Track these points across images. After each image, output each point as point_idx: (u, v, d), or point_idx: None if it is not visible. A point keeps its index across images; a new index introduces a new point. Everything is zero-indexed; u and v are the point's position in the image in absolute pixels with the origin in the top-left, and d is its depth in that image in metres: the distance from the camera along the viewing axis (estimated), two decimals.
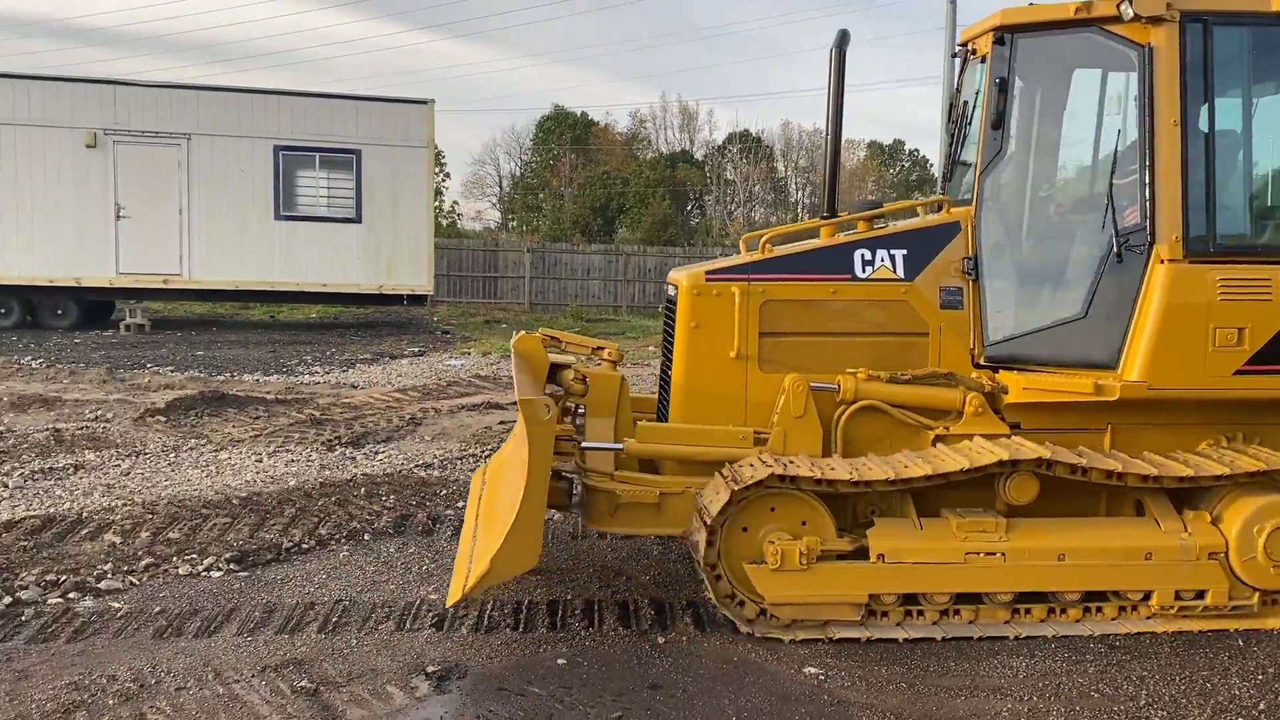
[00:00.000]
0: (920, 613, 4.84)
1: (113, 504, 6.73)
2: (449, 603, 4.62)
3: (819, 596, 4.72)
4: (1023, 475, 4.84)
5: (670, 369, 5.43)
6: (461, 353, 16.30)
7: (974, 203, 5.23)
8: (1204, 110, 4.91)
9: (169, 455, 8.23)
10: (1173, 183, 4.84)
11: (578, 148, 47.13)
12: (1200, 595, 4.86)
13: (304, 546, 5.94)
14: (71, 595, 5.08)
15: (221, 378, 12.78)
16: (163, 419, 9.59)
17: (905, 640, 4.70)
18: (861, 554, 4.76)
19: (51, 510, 6.56)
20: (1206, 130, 4.89)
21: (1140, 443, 5.15)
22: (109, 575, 5.35)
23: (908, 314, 5.26)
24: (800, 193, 54.57)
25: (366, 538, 6.16)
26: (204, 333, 18.33)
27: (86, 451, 8.23)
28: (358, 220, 18.74)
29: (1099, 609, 4.90)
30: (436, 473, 7.89)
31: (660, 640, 4.69)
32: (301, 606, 5.00)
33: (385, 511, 6.68)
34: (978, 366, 5.25)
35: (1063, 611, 4.89)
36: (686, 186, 46.86)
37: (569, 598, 5.19)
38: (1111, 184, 4.95)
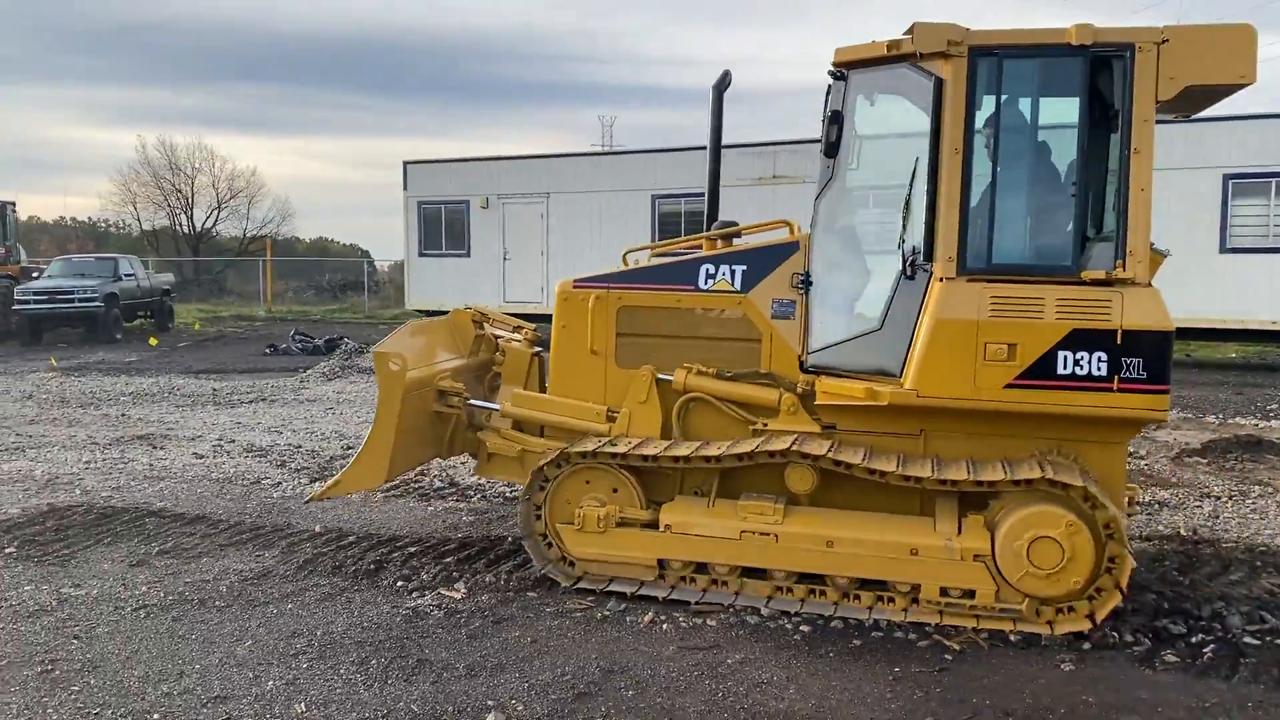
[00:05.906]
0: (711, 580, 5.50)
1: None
2: (306, 498, 7.43)
3: (614, 556, 5.52)
4: (797, 466, 5.32)
5: None
6: None
7: (811, 224, 5.58)
8: (987, 139, 5.12)
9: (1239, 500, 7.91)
10: (951, 207, 5.04)
11: None
12: (970, 594, 5.06)
13: None
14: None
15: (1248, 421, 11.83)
16: (1201, 460, 9.39)
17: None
18: (657, 524, 5.48)
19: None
20: (988, 158, 5.09)
21: (956, 450, 5.35)
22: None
23: (742, 322, 5.78)
24: None
25: None
26: None
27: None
28: None
29: (890, 599, 5.22)
30: None
31: None
32: None
33: None
34: (804, 371, 5.62)
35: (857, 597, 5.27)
36: None
37: None
38: (906, 208, 5.27)
